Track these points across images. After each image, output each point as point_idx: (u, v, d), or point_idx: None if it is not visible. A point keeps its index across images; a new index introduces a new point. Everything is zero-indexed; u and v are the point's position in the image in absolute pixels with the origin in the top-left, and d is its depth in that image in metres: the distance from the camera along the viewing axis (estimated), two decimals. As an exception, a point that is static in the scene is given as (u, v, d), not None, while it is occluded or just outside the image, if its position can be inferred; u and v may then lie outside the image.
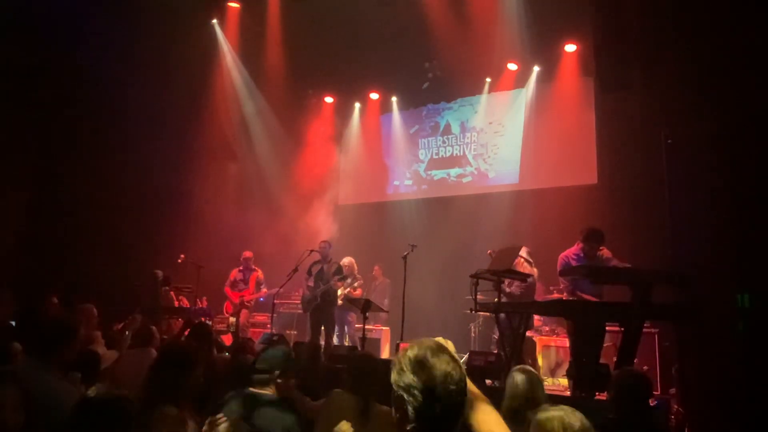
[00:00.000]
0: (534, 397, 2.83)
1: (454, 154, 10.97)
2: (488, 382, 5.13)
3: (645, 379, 3.04)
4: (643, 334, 4.89)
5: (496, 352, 6.19)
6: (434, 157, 11.23)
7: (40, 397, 2.62)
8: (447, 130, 11.11)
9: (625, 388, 2.93)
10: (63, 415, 2.43)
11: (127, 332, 5.07)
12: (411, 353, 1.71)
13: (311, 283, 7.78)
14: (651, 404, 4.22)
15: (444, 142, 11.12)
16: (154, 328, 4.83)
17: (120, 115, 9.84)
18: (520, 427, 2.31)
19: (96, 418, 2.10)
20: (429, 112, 11.39)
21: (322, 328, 7.66)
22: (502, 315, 5.73)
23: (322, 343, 7.32)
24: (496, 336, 7.99)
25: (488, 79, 10.31)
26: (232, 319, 8.55)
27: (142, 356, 4.54)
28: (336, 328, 8.05)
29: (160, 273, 8.55)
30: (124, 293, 8.50)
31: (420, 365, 1.66)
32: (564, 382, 6.28)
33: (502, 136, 10.43)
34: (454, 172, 10.91)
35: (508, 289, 6.60)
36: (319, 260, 7.85)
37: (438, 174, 11.13)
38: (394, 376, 1.71)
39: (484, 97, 10.58)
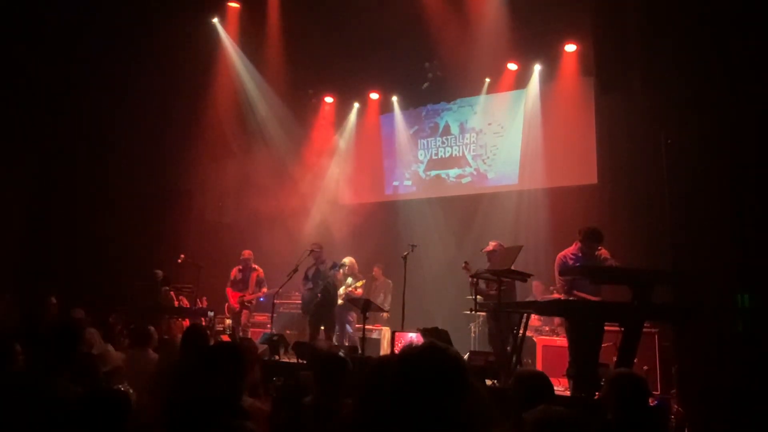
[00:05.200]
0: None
1: (454, 155, 10.96)
2: (488, 382, 5.12)
3: (641, 381, 3.03)
4: (643, 334, 4.88)
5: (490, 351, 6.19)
6: (433, 157, 11.22)
7: (45, 402, 2.61)
8: (446, 130, 11.10)
9: (623, 391, 2.91)
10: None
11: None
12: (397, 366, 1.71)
13: (311, 285, 7.78)
14: (651, 404, 4.22)
15: (443, 142, 11.11)
16: (152, 328, 4.83)
17: (120, 116, 9.85)
18: None
19: (98, 414, 2.14)
20: (428, 112, 11.38)
21: (322, 328, 7.67)
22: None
23: (321, 344, 7.31)
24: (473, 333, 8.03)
25: (488, 80, 10.29)
26: (228, 321, 8.55)
27: (140, 357, 4.55)
28: (336, 328, 8.04)
29: (160, 273, 8.56)
30: (123, 293, 8.51)
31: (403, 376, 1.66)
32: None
33: (501, 137, 10.42)
34: (453, 172, 10.90)
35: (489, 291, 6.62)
36: (314, 263, 7.87)
37: (437, 175, 11.13)
38: None
39: (483, 98, 10.56)
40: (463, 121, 10.92)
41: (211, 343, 4.97)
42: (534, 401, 2.66)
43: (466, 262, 6.93)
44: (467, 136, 10.82)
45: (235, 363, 2.98)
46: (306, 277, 7.83)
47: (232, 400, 2.80)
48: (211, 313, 8.25)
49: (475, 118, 10.76)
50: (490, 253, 6.71)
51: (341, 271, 7.97)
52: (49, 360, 2.86)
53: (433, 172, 11.17)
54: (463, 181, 10.76)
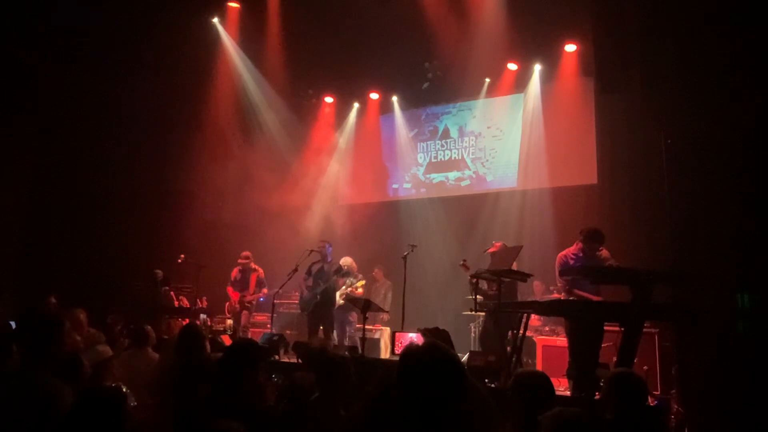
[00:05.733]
0: None
1: (453, 158, 10.97)
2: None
3: (641, 381, 3.03)
4: (643, 334, 4.88)
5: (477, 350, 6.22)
6: (433, 160, 11.23)
7: (37, 396, 2.63)
8: (446, 134, 11.12)
9: (622, 391, 2.91)
10: (60, 412, 2.46)
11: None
12: (400, 367, 1.71)
13: (311, 283, 7.77)
14: (651, 404, 4.22)
15: (443, 145, 11.12)
16: (149, 327, 4.81)
17: (120, 116, 9.85)
18: None
19: (96, 411, 2.17)
20: (428, 116, 11.39)
21: (321, 328, 7.67)
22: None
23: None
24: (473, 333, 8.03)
25: (487, 80, 10.29)
26: (230, 322, 8.54)
27: (138, 356, 4.55)
28: (336, 328, 8.04)
29: (160, 273, 8.56)
30: (123, 293, 8.51)
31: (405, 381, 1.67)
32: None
33: (500, 140, 10.44)
34: (452, 175, 10.91)
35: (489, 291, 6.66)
36: (319, 260, 7.85)
37: (437, 177, 11.14)
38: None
39: (482, 102, 10.57)
40: (463, 124, 10.94)
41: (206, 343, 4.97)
42: (534, 402, 2.66)
43: (464, 260, 6.94)
44: (466, 139, 10.85)
45: (243, 363, 3.00)
46: (309, 272, 7.82)
47: (231, 400, 2.81)
48: (203, 316, 8.23)
49: (474, 122, 10.79)
50: (493, 254, 6.72)
51: (343, 278, 7.96)
52: (28, 355, 2.86)
53: (433, 175, 11.18)
54: (463, 184, 10.78)
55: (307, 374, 3.50)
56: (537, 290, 7.93)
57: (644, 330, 4.90)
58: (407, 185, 11.47)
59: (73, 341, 3.88)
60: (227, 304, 8.71)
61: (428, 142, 11.31)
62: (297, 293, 8.78)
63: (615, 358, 4.92)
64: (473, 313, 7.40)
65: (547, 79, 9.68)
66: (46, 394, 2.66)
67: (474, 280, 6.22)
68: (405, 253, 7.14)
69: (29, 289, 8.46)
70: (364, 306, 6.56)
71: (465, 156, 10.80)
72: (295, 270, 7.43)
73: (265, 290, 8.64)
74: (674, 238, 5.76)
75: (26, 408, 2.59)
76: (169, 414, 3.29)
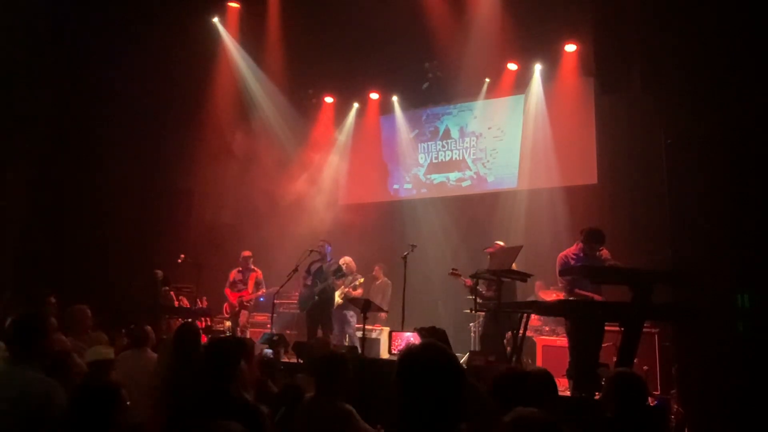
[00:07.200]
0: None
1: (454, 159, 10.97)
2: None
3: (641, 381, 3.04)
4: (643, 334, 4.88)
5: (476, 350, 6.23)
6: (434, 161, 11.23)
7: (28, 393, 2.65)
8: (446, 134, 11.13)
9: (623, 391, 2.91)
10: (51, 408, 2.48)
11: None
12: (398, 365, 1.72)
13: (309, 282, 7.78)
14: (651, 404, 4.21)
15: (444, 146, 11.13)
16: (149, 328, 4.81)
17: (120, 116, 9.84)
18: None
19: (90, 405, 2.22)
20: (428, 117, 11.39)
21: (320, 328, 7.67)
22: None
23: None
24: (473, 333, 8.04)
25: (487, 80, 10.28)
26: (228, 324, 8.54)
27: (138, 357, 4.54)
28: (336, 328, 8.04)
29: (160, 273, 8.55)
30: (123, 293, 8.50)
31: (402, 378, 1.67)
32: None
33: (501, 140, 10.44)
34: (453, 176, 10.92)
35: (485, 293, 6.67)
36: (319, 259, 7.86)
37: (437, 178, 11.14)
38: None
39: (483, 103, 10.58)
40: (463, 125, 10.95)
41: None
42: (536, 400, 2.65)
43: (453, 269, 6.95)
44: (467, 139, 10.85)
45: (223, 358, 2.99)
46: (308, 271, 7.83)
47: (224, 398, 2.81)
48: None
49: (474, 122, 10.79)
50: (492, 254, 6.72)
51: (342, 279, 7.95)
52: (14, 353, 2.87)
53: (434, 176, 11.18)
54: (463, 184, 10.79)
55: (306, 375, 3.50)
56: (538, 290, 7.93)
57: (644, 330, 4.90)
58: (408, 185, 11.47)
59: (61, 339, 3.91)
60: (226, 305, 8.73)
61: (429, 143, 11.31)
62: (297, 293, 8.79)
63: (615, 358, 4.92)
64: (473, 312, 7.40)
65: (547, 79, 9.68)
66: (38, 391, 2.68)
67: (471, 281, 6.22)
68: (405, 253, 7.15)
69: (29, 289, 8.44)
70: (364, 306, 6.56)
71: (466, 156, 10.80)
72: (295, 270, 7.43)
73: (263, 290, 8.65)
74: (674, 238, 5.75)
75: (17, 404, 2.61)
76: (167, 414, 3.29)
